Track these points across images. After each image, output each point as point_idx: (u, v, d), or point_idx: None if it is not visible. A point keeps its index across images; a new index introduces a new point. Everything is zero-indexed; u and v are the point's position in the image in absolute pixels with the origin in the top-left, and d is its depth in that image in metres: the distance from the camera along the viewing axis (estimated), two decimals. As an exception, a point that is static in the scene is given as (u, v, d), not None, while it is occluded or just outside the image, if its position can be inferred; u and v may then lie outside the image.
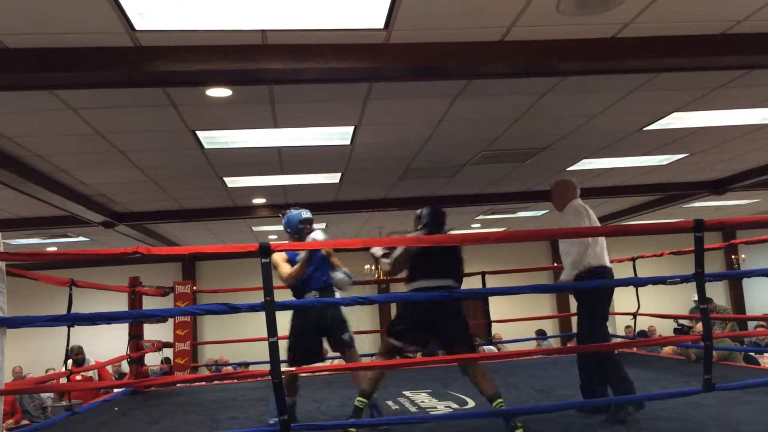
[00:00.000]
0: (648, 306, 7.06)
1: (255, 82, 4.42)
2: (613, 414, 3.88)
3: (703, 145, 7.52)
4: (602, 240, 4.23)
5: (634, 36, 4.07)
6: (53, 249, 11.82)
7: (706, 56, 4.26)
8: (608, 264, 4.21)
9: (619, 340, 7.21)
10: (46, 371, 10.50)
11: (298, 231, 4.52)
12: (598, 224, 4.42)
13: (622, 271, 7.50)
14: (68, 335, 4.78)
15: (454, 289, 4.00)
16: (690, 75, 4.92)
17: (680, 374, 5.51)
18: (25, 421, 8.10)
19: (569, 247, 4.17)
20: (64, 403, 5.60)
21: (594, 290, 4.12)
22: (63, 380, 5.90)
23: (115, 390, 6.32)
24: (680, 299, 12.67)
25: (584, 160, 7.93)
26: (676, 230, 4.18)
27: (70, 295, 4.62)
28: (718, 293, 15.17)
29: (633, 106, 5.75)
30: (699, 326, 6.21)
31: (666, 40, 4.09)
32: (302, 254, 4.33)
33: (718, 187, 9.85)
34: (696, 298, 4.12)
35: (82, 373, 7.82)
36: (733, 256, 15.31)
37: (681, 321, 8.85)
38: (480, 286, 7.44)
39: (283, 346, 3.80)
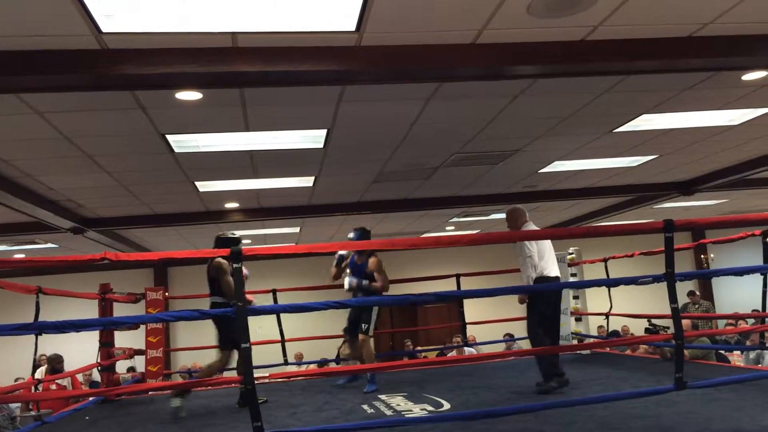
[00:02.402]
0: (621, 306, 7.14)
1: (225, 85, 4.37)
2: (542, 386, 4.93)
3: (672, 147, 7.64)
4: (547, 254, 5.12)
5: (604, 38, 4.11)
6: (21, 256, 11.59)
7: (675, 58, 4.32)
8: (552, 274, 5.11)
9: (592, 340, 7.28)
10: (15, 380, 10.27)
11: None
12: (545, 242, 5.25)
13: (594, 272, 7.62)
14: (36, 344, 4.68)
15: None
16: (659, 77, 4.99)
17: (651, 373, 5.57)
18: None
19: (521, 261, 5.07)
20: (33, 412, 5.47)
21: (539, 296, 5.05)
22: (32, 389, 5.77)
23: (87, 399, 6.21)
24: (652, 299, 12.83)
25: (556, 162, 8.00)
26: (647, 231, 4.23)
27: (38, 303, 4.53)
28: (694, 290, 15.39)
29: (603, 108, 5.81)
30: (687, 323, 6.42)
31: (635, 42, 4.14)
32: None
33: (687, 187, 10.02)
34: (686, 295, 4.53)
35: (56, 382, 7.66)
36: (702, 256, 15.58)
37: (653, 321, 8.97)
38: (455, 288, 7.46)
39: (256, 350, 3.76)
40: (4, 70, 3.72)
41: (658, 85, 5.30)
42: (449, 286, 7.54)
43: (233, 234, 5.50)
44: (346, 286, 5.81)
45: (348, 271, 5.92)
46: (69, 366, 8.66)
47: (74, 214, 8.67)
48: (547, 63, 4.16)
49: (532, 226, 5.32)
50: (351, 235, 5.92)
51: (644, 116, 6.17)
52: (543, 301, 5.07)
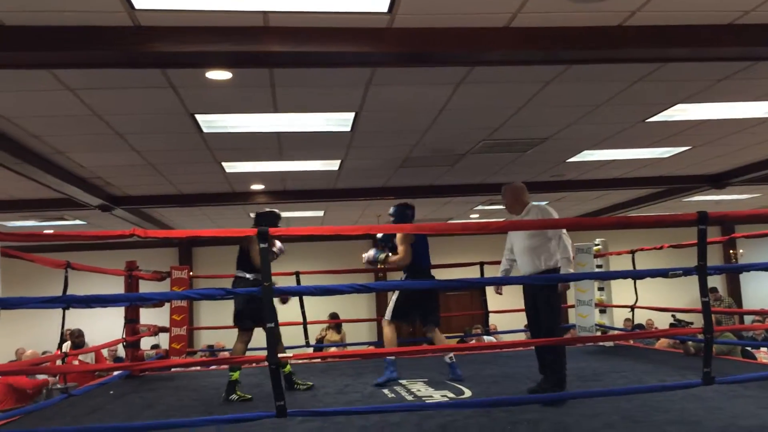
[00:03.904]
0: (644, 299, 7.04)
1: (255, 64, 4.36)
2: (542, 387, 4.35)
3: (704, 138, 7.49)
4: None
5: (640, 25, 4.02)
6: (49, 232, 11.78)
7: (712, 47, 4.22)
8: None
9: (616, 332, 7.21)
10: (42, 353, 10.48)
11: None
12: None
13: (618, 264, 7.53)
14: (63, 318, 4.75)
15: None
16: (694, 66, 4.88)
17: (676, 367, 5.50)
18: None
19: (539, 242, 4.42)
20: (59, 385, 5.57)
21: (555, 289, 4.43)
22: (59, 362, 5.88)
23: (112, 373, 6.30)
24: (676, 294, 12.67)
25: (585, 152, 7.89)
26: (678, 223, 4.15)
27: (66, 277, 4.59)
28: (715, 287, 15.19)
29: (636, 97, 5.70)
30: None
31: (673, 29, 4.05)
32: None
33: (718, 181, 9.82)
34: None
35: (79, 357, 7.79)
36: (731, 251, 15.33)
37: (678, 316, 8.85)
38: (479, 276, 7.43)
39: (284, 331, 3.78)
40: (37, 46, 3.75)
41: (694, 75, 5.18)
42: (473, 273, 7.51)
43: (273, 210, 5.41)
44: (363, 259, 5.61)
45: (375, 245, 5.67)
46: (94, 341, 8.82)
47: (102, 191, 8.77)
48: (582, 49, 4.08)
49: (543, 205, 4.79)
50: (391, 210, 5.69)
51: (678, 106, 6.04)
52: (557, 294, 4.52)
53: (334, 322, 10.68)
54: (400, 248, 5.32)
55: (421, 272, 5.33)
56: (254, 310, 4.76)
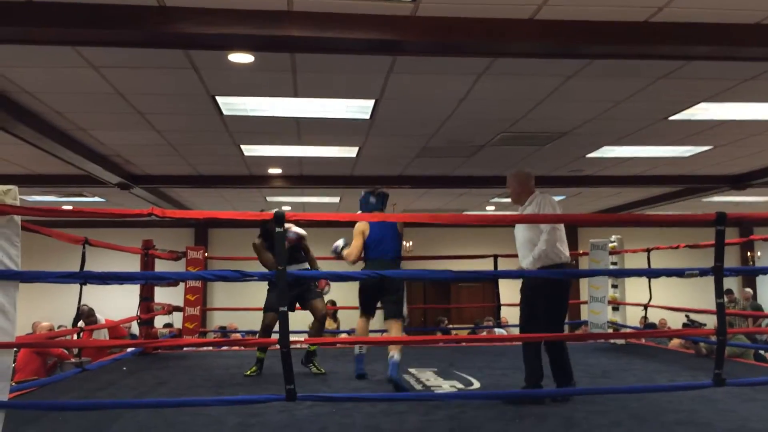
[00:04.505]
0: (658, 299, 6.99)
1: (278, 48, 4.37)
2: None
3: (726, 138, 7.40)
4: (563, 234, 4.18)
5: (668, 21, 3.97)
6: (68, 208, 11.91)
7: (739, 46, 4.18)
8: (568, 260, 4.22)
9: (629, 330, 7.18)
10: (58, 328, 10.62)
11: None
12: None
13: (633, 263, 7.48)
14: (80, 293, 4.80)
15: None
16: (720, 65, 4.82)
17: (686, 367, 5.46)
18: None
19: (536, 234, 4.10)
20: (74, 360, 5.65)
21: (559, 286, 4.08)
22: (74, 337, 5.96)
23: (126, 350, 6.39)
24: (690, 294, 12.58)
25: (605, 147, 7.83)
26: (696, 223, 4.11)
27: (84, 253, 4.64)
28: (731, 288, 15.06)
29: (659, 94, 5.65)
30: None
31: (700, 27, 4.01)
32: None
33: (738, 182, 9.72)
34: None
35: (94, 333, 7.89)
36: (749, 253, 15.18)
37: (692, 316, 8.77)
38: (492, 268, 7.41)
39: (292, 316, 3.80)
40: (62, 22, 3.78)
41: (719, 73, 5.12)
42: (486, 265, 7.49)
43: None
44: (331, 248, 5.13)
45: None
46: (109, 318, 8.91)
47: (122, 169, 8.85)
48: (607, 43, 4.05)
49: (547, 195, 4.32)
50: (373, 199, 5.11)
51: (701, 105, 5.98)
52: (565, 289, 4.18)
53: (332, 309, 10.66)
54: (353, 242, 4.91)
55: (377, 263, 4.76)
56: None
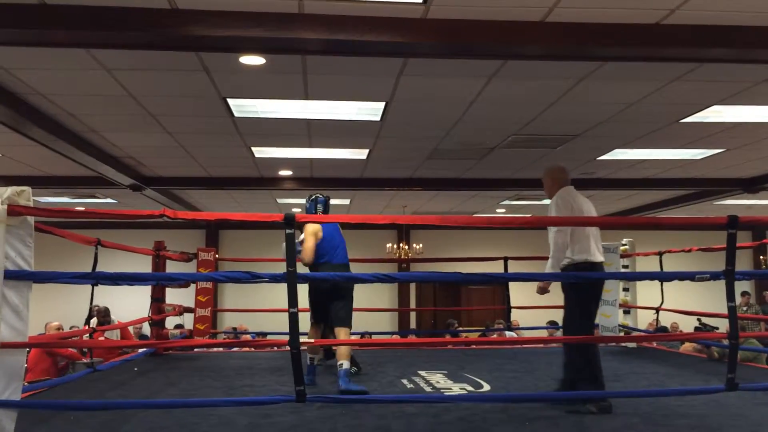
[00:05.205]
0: (669, 302, 6.95)
1: (289, 51, 4.39)
2: (579, 406, 3.80)
3: (739, 141, 7.35)
4: (587, 233, 4.00)
5: (681, 23, 3.95)
6: (81, 209, 11.98)
7: (753, 48, 4.15)
8: (598, 259, 4.01)
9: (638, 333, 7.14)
10: (70, 328, 10.69)
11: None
12: (588, 214, 4.19)
13: (645, 266, 7.43)
14: (92, 294, 4.83)
15: None
16: (733, 67, 4.79)
17: (698, 371, 5.42)
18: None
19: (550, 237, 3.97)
20: (85, 360, 5.69)
21: (581, 286, 3.92)
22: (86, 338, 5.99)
23: (137, 350, 6.41)
24: (702, 298, 12.49)
25: (617, 150, 7.80)
26: (708, 226, 4.07)
27: (96, 254, 4.66)
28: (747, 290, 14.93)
29: (672, 97, 5.61)
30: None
31: (714, 29, 3.98)
32: None
33: (751, 185, 9.66)
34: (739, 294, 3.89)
35: (105, 333, 7.93)
36: (761, 257, 15.05)
37: (704, 320, 8.71)
38: (502, 271, 7.39)
39: (303, 317, 3.81)
40: (75, 25, 3.81)
41: (732, 76, 5.08)
42: (496, 268, 7.47)
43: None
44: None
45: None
46: (119, 319, 8.96)
47: (134, 171, 8.90)
48: (619, 46, 4.03)
49: (567, 193, 4.16)
50: (320, 206, 4.86)
51: (714, 107, 5.94)
52: (590, 291, 4.01)
53: None
54: (305, 242, 4.65)
55: (328, 267, 4.63)
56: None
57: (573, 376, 4.01)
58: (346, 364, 4.41)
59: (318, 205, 4.86)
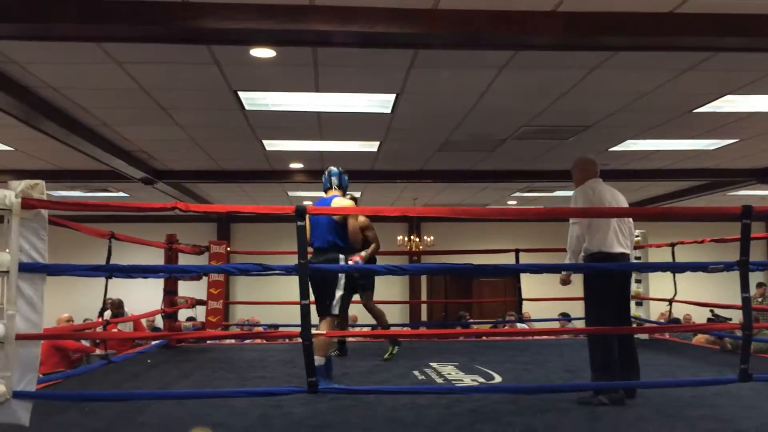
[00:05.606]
0: (683, 294, 6.91)
1: (299, 43, 4.38)
2: (590, 398, 3.77)
3: (754, 131, 7.28)
4: (609, 224, 3.91)
5: (695, 12, 3.91)
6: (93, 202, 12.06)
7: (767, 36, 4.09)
8: (616, 250, 3.91)
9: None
10: (84, 321, 10.78)
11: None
12: (612, 205, 4.07)
13: (658, 257, 7.38)
14: (106, 286, 4.86)
15: None
16: (747, 56, 4.74)
17: (711, 363, 5.40)
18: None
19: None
20: (99, 352, 5.74)
21: (596, 275, 3.88)
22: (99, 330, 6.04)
23: (150, 342, 6.46)
24: (715, 289, 12.42)
25: (629, 141, 7.75)
26: (721, 216, 4.04)
27: (110, 247, 4.69)
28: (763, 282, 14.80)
29: (685, 87, 5.57)
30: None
31: (728, 17, 3.93)
32: None
33: (765, 175, 9.57)
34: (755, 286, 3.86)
35: (119, 326, 8.00)
36: (775, 248, 14.91)
37: (717, 311, 8.65)
38: (514, 262, 7.37)
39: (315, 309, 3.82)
40: (87, 19, 3.83)
41: (747, 65, 5.03)
42: (508, 260, 7.46)
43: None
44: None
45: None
46: (132, 311, 9.03)
47: (146, 165, 8.95)
48: (632, 35, 3.99)
49: (589, 185, 4.03)
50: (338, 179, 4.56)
51: (728, 97, 5.89)
52: (608, 281, 3.90)
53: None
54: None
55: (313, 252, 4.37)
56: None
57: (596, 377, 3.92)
58: (318, 359, 3.96)
59: (344, 176, 4.55)
